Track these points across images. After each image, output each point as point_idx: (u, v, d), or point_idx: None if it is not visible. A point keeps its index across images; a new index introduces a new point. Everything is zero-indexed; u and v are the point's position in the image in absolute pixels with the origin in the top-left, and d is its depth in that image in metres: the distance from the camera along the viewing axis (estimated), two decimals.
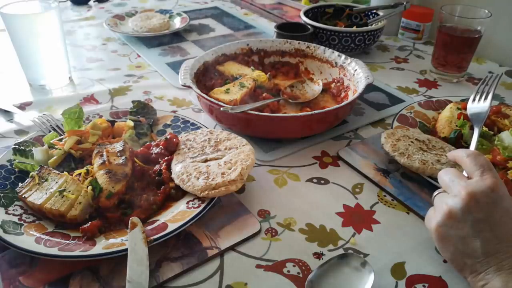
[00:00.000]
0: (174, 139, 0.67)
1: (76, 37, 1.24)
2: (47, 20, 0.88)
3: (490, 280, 0.45)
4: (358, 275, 0.49)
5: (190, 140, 0.67)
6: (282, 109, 0.84)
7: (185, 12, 1.37)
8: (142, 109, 0.77)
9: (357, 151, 0.73)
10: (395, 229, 0.59)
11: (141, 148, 0.67)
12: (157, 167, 0.63)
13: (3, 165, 0.63)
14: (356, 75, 0.84)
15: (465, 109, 0.76)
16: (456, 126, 0.73)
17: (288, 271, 0.52)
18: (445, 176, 0.52)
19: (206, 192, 0.57)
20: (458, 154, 0.54)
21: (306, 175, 0.68)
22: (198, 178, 0.58)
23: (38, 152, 0.65)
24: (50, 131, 0.72)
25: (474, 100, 0.75)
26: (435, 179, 0.61)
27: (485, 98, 0.73)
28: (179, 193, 0.60)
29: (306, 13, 1.17)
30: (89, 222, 0.54)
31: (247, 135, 0.74)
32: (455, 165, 0.62)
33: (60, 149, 0.66)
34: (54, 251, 0.49)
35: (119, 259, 0.50)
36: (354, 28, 1.07)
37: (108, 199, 0.56)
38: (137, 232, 0.51)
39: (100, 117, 0.75)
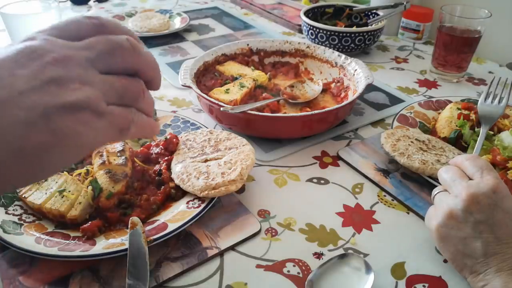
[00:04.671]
0: (174, 139, 0.67)
1: None
2: (47, 20, 0.88)
3: (490, 281, 0.45)
4: (358, 275, 0.49)
5: (190, 140, 0.67)
6: (282, 109, 0.84)
7: (185, 12, 1.37)
8: None
9: (357, 151, 0.73)
10: (395, 229, 0.59)
11: (141, 148, 0.67)
12: (157, 167, 0.63)
13: None
14: (356, 75, 0.84)
15: (465, 109, 0.76)
16: (456, 126, 0.73)
17: (288, 271, 0.52)
18: (445, 175, 0.52)
19: (206, 192, 0.57)
20: (458, 159, 0.54)
21: (306, 175, 0.68)
22: (198, 178, 0.58)
23: None
24: None
25: (486, 99, 0.74)
26: (435, 179, 0.61)
27: (500, 101, 0.73)
28: (179, 193, 0.60)
29: (306, 13, 1.17)
30: (89, 222, 0.54)
31: (247, 135, 0.74)
32: None
33: None
34: (54, 251, 0.49)
35: (119, 259, 0.50)
36: (354, 28, 1.07)
37: (108, 199, 0.56)
38: (137, 232, 0.51)
39: None
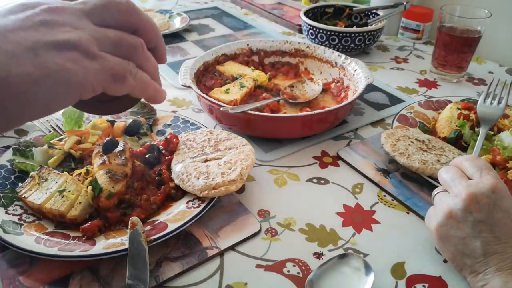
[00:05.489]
0: (174, 139, 0.67)
1: None
2: None
3: (490, 281, 0.45)
4: (358, 275, 0.49)
5: (190, 140, 0.67)
6: (282, 109, 0.84)
7: (185, 12, 1.37)
8: (142, 109, 0.77)
9: (357, 151, 0.73)
10: (395, 229, 0.59)
11: (141, 148, 0.67)
12: (157, 167, 0.63)
13: (3, 165, 0.63)
14: (356, 75, 0.84)
15: (465, 109, 0.76)
16: (456, 126, 0.73)
17: (288, 271, 0.52)
18: (445, 175, 0.52)
19: (206, 192, 0.57)
20: (457, 160, 0.54)
21: (306, 175, 0.68)
22: (198, 178, 0.58)
23: (38, 152, 0.65)
24: (50, 131, 0.72)
25: (485, 100, 0.73)
26: (435, 179, 0.61)
27: (499, 102, 0.73)
28: (179, 193, 0.60)
29: (306, 13, 1.17)
30: (89, 222, 0.54)
31: (247, 135, 0.74)
32: None
33: (60, 149, 0.66)
34: (54, 251, 0.49)
35: (119, 259, 0.50)
36: (354, 28, 1.07)
37: (108, 199, 0.56)
38: (137, 232, 0.51)
39: (100, 117, 0.75)
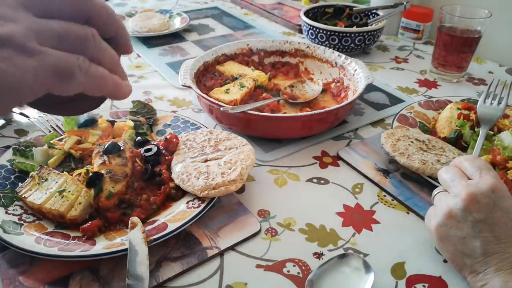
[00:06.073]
0: (174, 139, 0.67)
1: None
2: None
3: (490, 280, 0.45)
4: (358, 275, 0.49)
5: (190, 140, 0.67)
6: (282, 109, 0.84)
7: (185, 12, 1.37)
8: (142, 109, 0.77)
9: (357, 151, 0.73)
10: (395, 229, 0.59)
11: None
12: (157, 167, 0.63)
13: (3, 165, 0.63)
14: (356, 75, 0.84)
15: (465, 109, 0.76)
16: (456, 126, 0.73)
17: (288, 271, 0.52)
18: (445, 175, 0.52)
19: (206, 192, 0.57)
20: (457, 160, 0.54)
21: (306, 175, 0.68)
22: (198, 178, 0.59)
23: (38, 152, 0.65)
24: (50, 131, 0.72)
25: (485, 100, 0.73)
26: (435, 179, 0.61)
27: (499, 102, 0.73)
28: (179, 193, 0.60)
29: (306, 13, 1.17)
30: (89, 222, 0.54)
31: (247, 135, 0.74)
32: None
33: (60, 149, 0.66)
34: (54, 251, 0.49)
35: (119, 259, 0.50)
36: (354, 28, 1.07)
37: (108, 199, 0.56)
38: (137, 232, 0.51)
39: (100, 117, 0.75)
